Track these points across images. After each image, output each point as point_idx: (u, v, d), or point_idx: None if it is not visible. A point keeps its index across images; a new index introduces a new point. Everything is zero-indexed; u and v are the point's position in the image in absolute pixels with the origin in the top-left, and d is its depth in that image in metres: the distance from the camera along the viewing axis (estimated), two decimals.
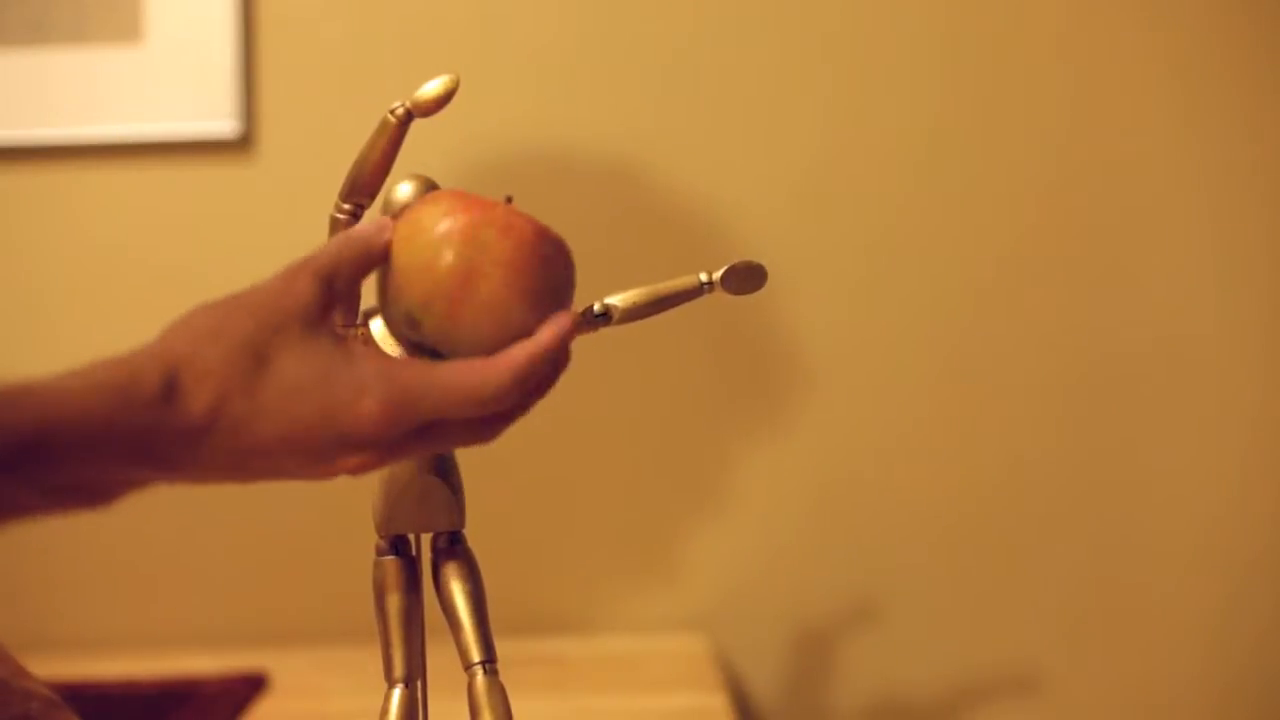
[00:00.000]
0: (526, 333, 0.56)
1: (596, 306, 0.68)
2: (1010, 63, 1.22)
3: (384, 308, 0.59)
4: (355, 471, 0.55)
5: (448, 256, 0.56)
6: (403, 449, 0.56)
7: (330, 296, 0.56)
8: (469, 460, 0.70)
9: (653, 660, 1.13)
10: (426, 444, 0.56)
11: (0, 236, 1.21)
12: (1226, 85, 1.21)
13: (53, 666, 1.04)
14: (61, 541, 1.21)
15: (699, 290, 0.70)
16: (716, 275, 0.70)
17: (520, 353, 0.55)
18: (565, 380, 1.21)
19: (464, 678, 0.67)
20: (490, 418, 0.56)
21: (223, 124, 1.19)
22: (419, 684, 0.69)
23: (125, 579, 1.22)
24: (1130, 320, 1.22)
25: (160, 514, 1.22)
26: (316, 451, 0.53)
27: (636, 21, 1.21)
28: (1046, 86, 1.22)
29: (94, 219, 1.21)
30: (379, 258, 0.58)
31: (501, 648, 0.67)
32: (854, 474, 1.23)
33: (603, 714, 1.01)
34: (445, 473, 0.67)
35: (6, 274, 1.21)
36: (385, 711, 0.67)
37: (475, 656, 0.66)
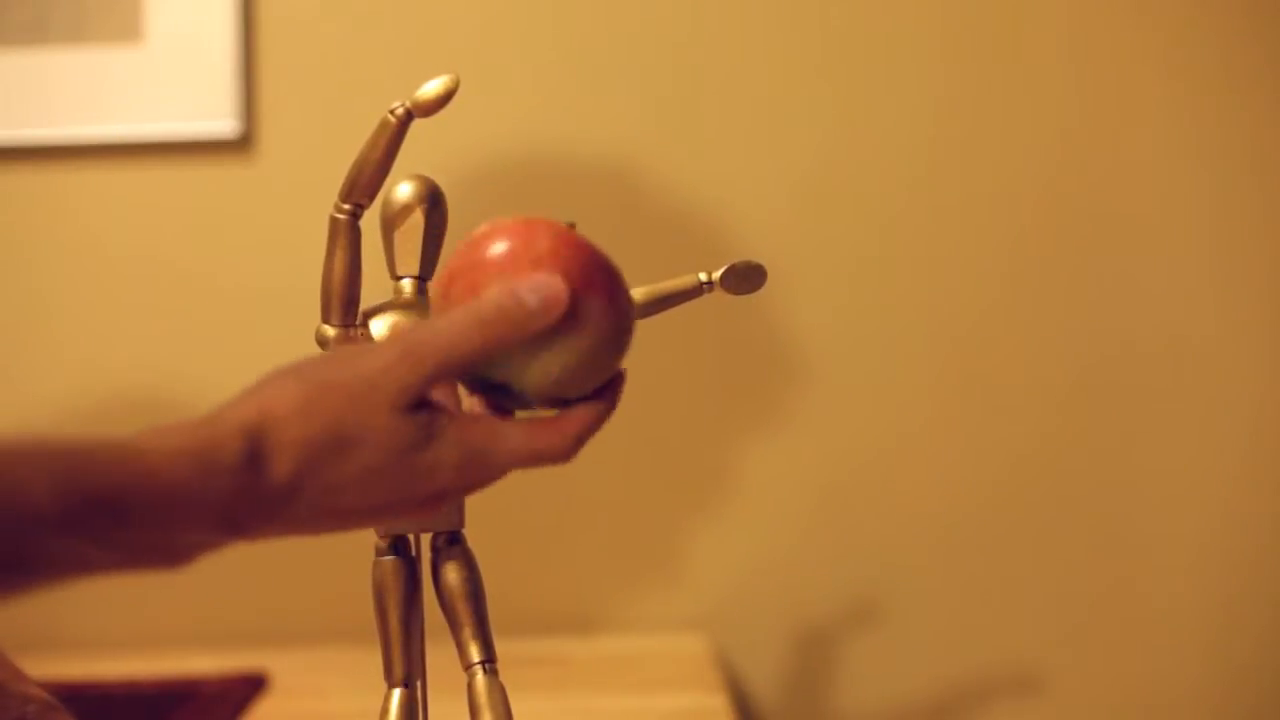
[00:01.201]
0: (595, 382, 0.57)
1: None
2: (1011, 63, 1.22)
3: None
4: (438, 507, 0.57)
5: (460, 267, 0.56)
6: (478, 485, 0.57)
7: (430, 385, 0.54)
8: None
9: (653, 660, 1.13)
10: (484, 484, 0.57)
11: (0, 236, 1.21)
12: (1227, 86, 1.21)
13: (53, 667, 1.04)
14: None
15: (698, 290, 0.70)
16: (716, 275, 0.70)
17: (586, 415, 0.57)
18: None
19: (464, 678, 0.67)
20: (559, 446, 0.57)
21: (223, 124, 1.19)
22: (419, 684, 0.69)
23: (125, 579, 1.21)
24: (1131, 320, 1.22)
25: None
26: (392, 516, 0.55)
27: (637, 22, 1.21)
28: (1047, 86, 1.22)
29: (94, 219, 1.21)
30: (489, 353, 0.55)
31: (501, 648, 0.67)
32: (855, 475, 1.23)
33: (603, 714, 1.01)
34: None
35: (6, 274, 1.21)
36: (385, 712, 0.67)
37: (475, 656, 0.66)
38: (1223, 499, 1.22)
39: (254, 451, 0.50)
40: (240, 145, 1.20)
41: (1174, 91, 1.22)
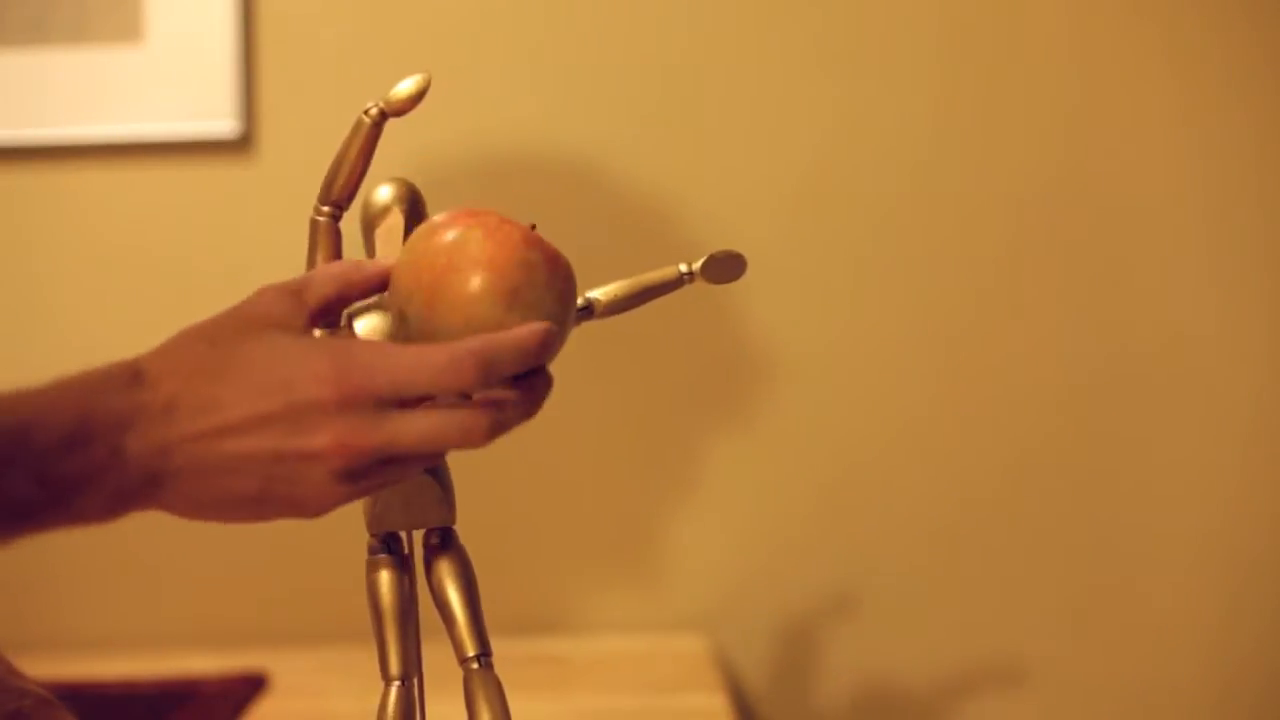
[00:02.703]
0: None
1: (578, 300, 0.68)
2: (1009, 61, 1.22)
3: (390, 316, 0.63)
4: (343, 453, 0.56)
5: (435, 255, 0.59)
6: (373, 431, 0.56)
7: (297, 307, 0.59)
8: (465, 460, 0.70)
9: (653, 660, 1.13)
10: (397, 430, 0.56)
11: (0, 236, 1.21)
12: (1227, 85, 1.21)
13: (53, 666, 1.04)
14: (61, 541, 1.21)
15: (679, 281, 0.70)
16: (696, 265, 0.70)
17: (477, 340, 0.57)
18: (561, 378, 1.21)
19: (461, 675, 0.66)
20: (469, 422, 0.57)
21: (223, 124, 1.19)
22: (415, 681, 0.69)
23: (125, 579, 1.22)
24: (1130, 319, 1.22)
25: (160, 514, 1.22)
26: (282, 421, 0.55)
27: (631, 22, 1.21)
28: (1046, 86, 1.22)
29: (94, 219, 1.21)
30: (357, 285, 0.62)
31: (500, 648, 0.67)
32: (853, 474, 1.23)
33: (603, 714, 1.01)
34: (435, 469, 0.67)
35: (7, 274, 1.21)
36: (382, 709, 0.67)
37: (470, 650, 0.66)
38: (1222, 497, 1.22)
39: (137, 371, 0.55)
40: (240, 145, 1.20)
41: (1174, 90, 1.21)
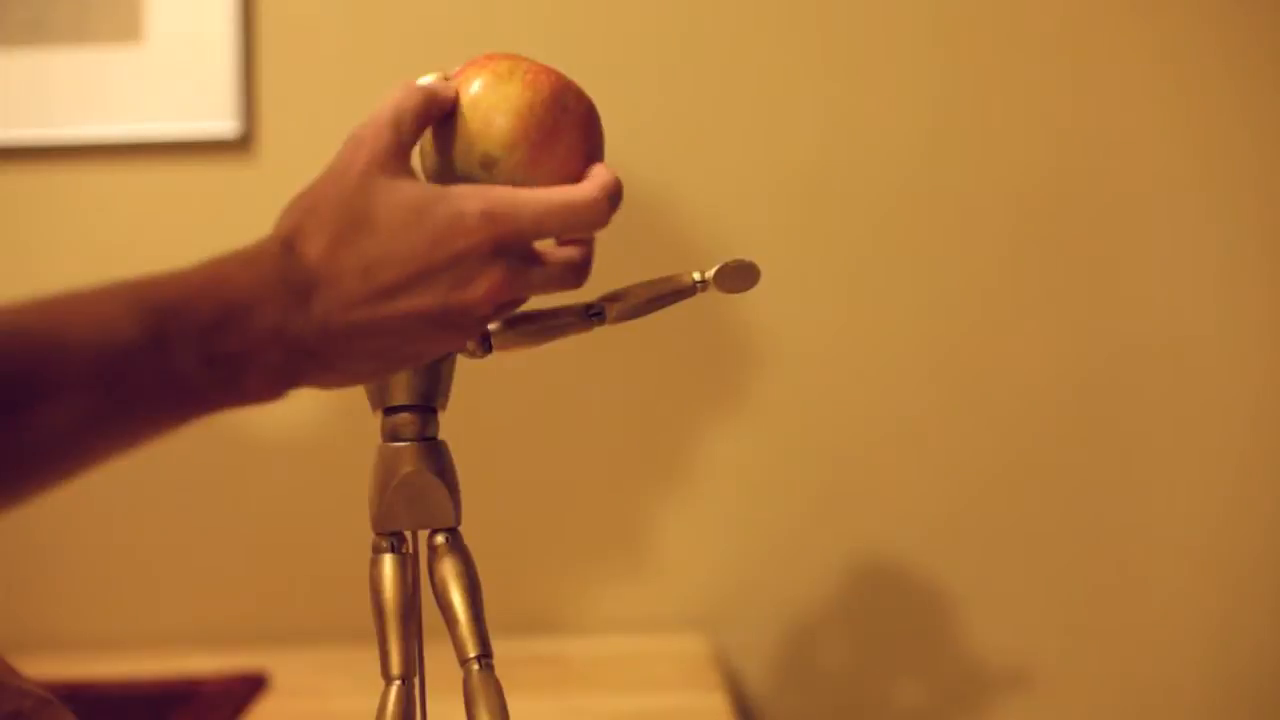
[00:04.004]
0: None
1: (591, 307, 0.68)
2: (1008, 60, 1.22)
3: (445, 153, 0.63)
4: (494, 300, 0.59)
5: (539, 110, 0.63)
6: (521, 278, 0.59)
7: (399, 139, 0.60)
8: (468, 460, 0.70)
9: (653, 660, 1.13)
10: (539, 275, 0.60)
11: (0, 236, 1.21)
12: (1227, 85, 1.21)
13: (53, 666, 1.04)
14: (61, 541, 1.21)
15: (692, 289, 0.70)
16: (709, 274, 0.70)
17: (599, 171, 0.63)
18: (562, 378, 1.21)
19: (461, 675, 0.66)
20: (580, 261, 0.62)
21: (223, 124, 1.19)
22: (416, 681, 0.69)
23: (125, 579, 1.22)
24: (1130, 318, 1.22)
25: (160, 514, 1.22)
26: (442, 277, 0.57)
27: (630, 21, 1.21)
28: (1045, 84, 1.22)
29: (94, 219, 1.21)
30: (444, 105, 0.62)
31: (500, 648, 0.67)
32: (853, 474, 1.23)
33: (603, 714, 1.01)
34: (440, 470, 0.67)
35: (7, 274, 1.21)
36: (382, 708, 0.67)
37: (470, 652, 0.66)
38: (1222, 497, 1.22)
39: (287, 242, 0.56)
40: (240, 145, 1.20)
41: (1174, 89, 1.21)
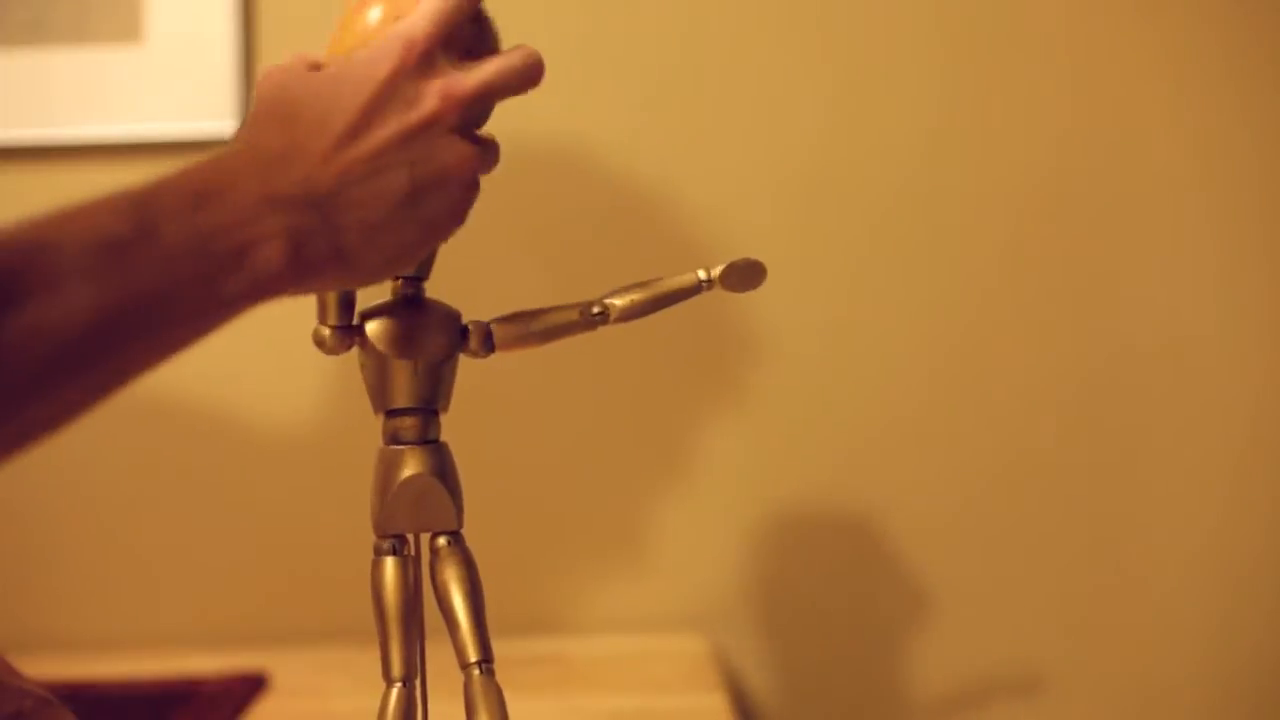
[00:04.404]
0: None
1: (595, 306, 0.68)
2: (1010, 59, 1.22)
3: None
4: (449, 114, 0.60)
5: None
6: (464, 76, 0.61)
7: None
8: (470, 462, 0.70)
9: (653, 660, 1.13)
10: (482, 70, 0.62)
11: None
12: (1227, 85, 1.21)
13: (53, 666, 1.04)
14: (62, 541, 1.21)
15: (697, 288, 0.69)
16: (715, 273, 0.69)
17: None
18: (562, 377, 1.21)
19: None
20: (526, 49, 0.65)
21: (223, 124, 1.19)
22: (417, 683, 0.69)
23: (125, 579, 1.22)
24: (1129, 318, 1.22)
25: (160, 514, 1.22)
26: (389, 103, 0.58)
27: (633, 20, 1.21)
28: (1045, 84, 1.22)
29: None
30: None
31: (501, 648, 0.67)
32: (854, 473, 1.23)
33: (603, 714, 1.01)
34: (442, 473, 0.67)
35: None
36: (383, 710, 0.67)
37: (472, 656, 0.66)
38: (1222, 497, 1.22)
39: (248, 129, 0.59)
40: None
41: (1174, 89, 1.21)
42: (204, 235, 0.52)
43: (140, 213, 0.50)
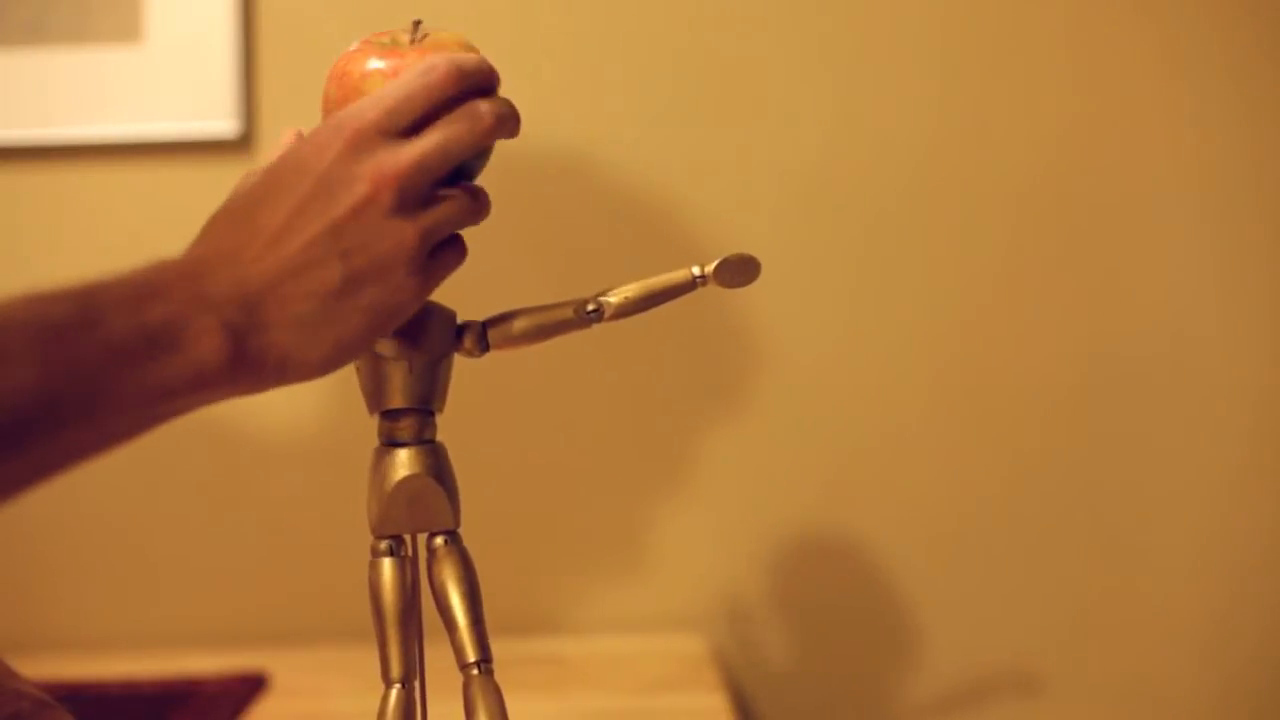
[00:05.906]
0: None
1: (589, 304, 0.68)
2: (1009, 60, 1.22)
3: None
4: (383, 195, 0.58)
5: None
6: (397, 154, 0.59)
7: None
8: (465, 461, 0.70)
9: (653, 660, 1.13)
10: (419, 145, 0.60)
11: (0, 237, 1.21)
12: (1228, 85, 1.21)
13: (53, 666, 1.04)
14: (61, 541, 1.21)
15: (691, 284, 0.69)
16: (709, 268, 0.69)
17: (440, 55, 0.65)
18: (561, 377, 1.22)
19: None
20: (474, 112, 0.62)
21: (223, 124, 1.19)
22: (416, 684, 0.69)
23: (125, 579, 1.22)
24: (1129, 318, 1.22)
25: (160, 514, 1.22)
26: (317, 198, 0.58)
27: (631, 19, 1.21)
28: (1045, 84, 1.22)
29: (94, 219, 1.21)
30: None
31: (500, 648, 0.67)
32: (853, 473, 1.23)
33: (601, 714, 1.01)
34: (439, 473, 0.67)
35: (6, 274, 1.21)
36: (382, 711, 0.67)
37: (470, 656, 0.66)
38: (1222, 499, 1.22)
39: (184, 254, 0.58)
40: (240, 145, 1.20)
41: (1174, 90, 1.21)
42: (146, 327, 0.52)
43: (85, 301, 0.51)
